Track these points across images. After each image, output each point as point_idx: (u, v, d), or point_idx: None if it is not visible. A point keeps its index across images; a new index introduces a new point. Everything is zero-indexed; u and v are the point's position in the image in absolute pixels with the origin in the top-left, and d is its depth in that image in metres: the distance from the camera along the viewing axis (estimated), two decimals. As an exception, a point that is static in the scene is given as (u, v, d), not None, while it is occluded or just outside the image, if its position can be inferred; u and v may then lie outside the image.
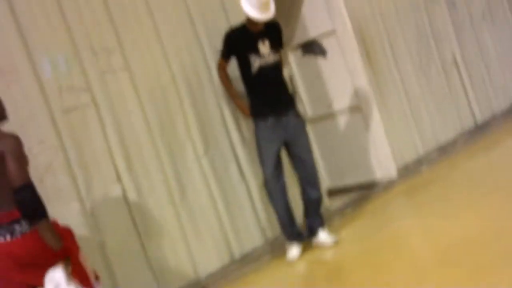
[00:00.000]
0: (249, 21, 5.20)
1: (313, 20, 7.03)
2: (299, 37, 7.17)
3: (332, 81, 7.04)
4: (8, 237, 3.31)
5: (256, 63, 5.22)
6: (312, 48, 7.13)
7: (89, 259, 3.78)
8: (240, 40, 5.26)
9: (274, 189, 5.27)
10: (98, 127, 4.78)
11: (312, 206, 5.41)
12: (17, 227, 3.32)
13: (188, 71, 5.42)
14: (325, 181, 6.93)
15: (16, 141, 3.37)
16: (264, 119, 5.23)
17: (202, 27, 5.56)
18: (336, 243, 5.31)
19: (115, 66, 4.96)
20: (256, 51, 5.21)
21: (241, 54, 5.25)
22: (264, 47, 5.24)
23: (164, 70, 5.27)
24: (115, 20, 5.05)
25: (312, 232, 5.41)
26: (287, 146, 5.33)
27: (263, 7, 5.06)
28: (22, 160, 3.37)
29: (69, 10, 4.82)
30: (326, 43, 7.00)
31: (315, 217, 5.40)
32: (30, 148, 4.42)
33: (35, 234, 3.33)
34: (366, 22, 7.06)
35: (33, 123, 4.51)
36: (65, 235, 3.55)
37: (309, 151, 5.39)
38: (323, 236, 5.36)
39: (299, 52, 7.23)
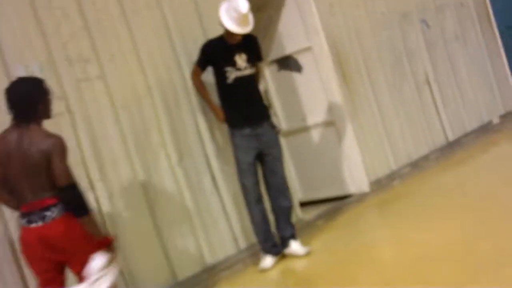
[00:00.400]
0: (227, 33, 5.26)
1: (289, 37, 7.13)
2: (275, 53, 7.27)
3: (306, 96, 7.14)
4: (40, 223, 3.64)
5: (232, 75, 5.28)
6: (288, 63, 7.23)
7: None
8: (217, 52, 5.32)
9: (253, 199, 5.31)
10: (72, 135, 4.78)
11: (283, 214, 5.44)
12: (47, 213, 3.64)
13: (163, 81, 5.47)
14: (298, 194, 6.98)
15: (62, 142, 3.67)
16: (240, 129, 5.29)
17: (178, 38, 5.62)
18: (308, 253, 5.35)
19: (90, 74, 5.00)
20: (233, 63, 5.28)
21: (218, 65, 5.31)
22: (241, 59, 5.30)
23: (140, 80, 5.31)
24: (92, 30, 5.10)
25: (283, 242, 5.44)
26: (260, 156, 5.38)
27: (242, 20, 5.13)
28: (66, 160, 3.67)
29: (45, 19, 4.86)
30: (302, 59, 7.10)
31: (286, 226, 5.42)
32: None
33: (64, 220, 3.65)
34: (341, 39, 7.19)
35: (6, 130, 4.52)
36: None
37: (281, 162, 5.45)
38: (294, 246, 5.40)
39: (275, 67, 7.33)
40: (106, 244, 3.74)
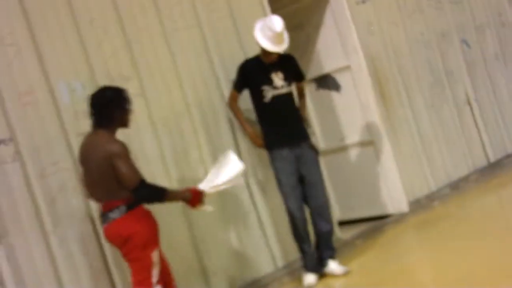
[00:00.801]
0: (263, 52, 5.28)
1: (328, 55, 7.14)
2: (314, 71, 7.26)
3: (345, 115, 7.11)
4: (105, 224, 4.00)
5: (269, 93, 5.28)
6: (326, 82, 7.22)
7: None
8: (254, 72, 5.33)
9: (299, 219, 5.27)
10: (111, 152, 4.84)
11: (323, 238, 5.41)
12: (110, 215, 3.95)
13: (202, 99, 5.51)
14: (336, 213, 6.94)
15: (122, 146, 3.92)
16: (279, 149, 5.27)
17: (217, 56, 5.67)
18: (346, 273, 5.30)
19: (131, 92, 5.01)
20: (270, 82, 5.28)
21: (255, 85, 5.32)
22: (278, 78, 5.31)
23: (178, 97, 5.36)
24: (133, 49, 5.17)
25: (321, 262, 5.39)
26: (301, 179, 5.34)
27: (277, 39, 5.15)
28: (131, 160, 3.93)
29: (88, 37, 4.95)
30: (340, 78, 7.09)
31: (326, 249, 5.39)
32: (44, 168, 4.53)
33: (121, 221, 3.92)
34: (380, 58, 7.17)
35: (48, 145, 4.60)
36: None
37: (321, 183, 5.41)
38: (333, 265, 5.36)
39: (313, 86, 7.32)
40: (196, 198, 4.16)
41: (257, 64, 5.35)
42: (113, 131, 4.02)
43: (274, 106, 5.30)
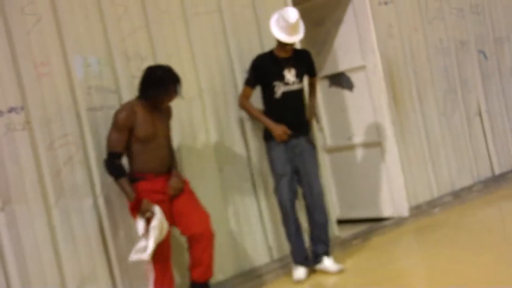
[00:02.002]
0: (278, 46, 5.29)
1: (344, 53, 7.14)
2: (329, 68, 7.28)
3: (355, 115, 7.12)
4: None
5: (280, 89, 5.29)
6: (340, 80, 7.23)
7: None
8: (267, 66, 5.32)
9: (289, 210, 5.31)
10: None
11: (318, 230, 5.42)
12: None
13: (215, 85, 5.54)
14: (337, 211, 6.98)
15: (117, 115, 4.46)
16: (278, 142, 5.29)
17: (235, 45, 5.68)
18: (341, 271, 5.34)
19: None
20: (281, 78, 5.29)
21: (266, 80, 5.32)
22: (290, 74, 5.32)
23: (192, 81, 5.38)
24: (151, 29, 5.20)
25: (317, 258, 5.44)
26: (296, 171, 5.37)
27: (292, 29, 5.14)
28: (115, 131, 4.42)
29: (108, 14, 4.97)
30: (355, 77, 7.09)
31: (321, 242, 5.41)
32: (53, 140, 4.58)
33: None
34: (396, 62, 7.17)
35: (58, 118, 4.64)
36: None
37: (316, 176, 5.42)
38: (327, 262, 5.39)
39: (326, 83, 7.34)
40: (135, 208, 4.38)
41: (270, 59, 5.35)
42: (145, 104, 4.51)
43: (283, 102, 5.31)
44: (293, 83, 5.32)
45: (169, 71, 4.55)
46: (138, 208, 4.38)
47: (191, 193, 4.76)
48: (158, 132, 4.58)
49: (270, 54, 5.37)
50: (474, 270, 4.73)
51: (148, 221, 4.35)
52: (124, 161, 4.58)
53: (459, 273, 4.73)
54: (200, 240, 4.61)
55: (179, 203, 4.64)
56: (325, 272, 5.39)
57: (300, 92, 5.41)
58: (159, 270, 4.47)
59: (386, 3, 7.16)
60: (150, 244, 4.30)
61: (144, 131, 4.49)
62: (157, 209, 4.37)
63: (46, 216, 4.50)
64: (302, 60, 5.45)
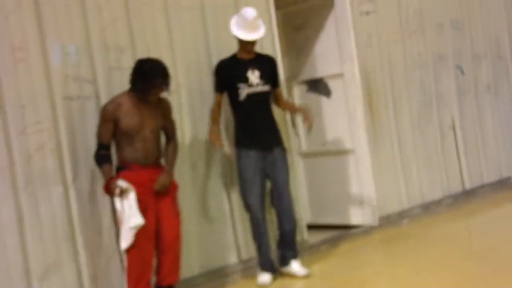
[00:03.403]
0: (240, 48, 5.27)
1: (323, 60, 7.17)
2: (307, 74, 7.31)
3: (330, 122, 7.16)
4: None
5: (244, 91, 5.23)
6: (317, 86, 7.26)
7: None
8: (230, 69, 5.27)
9: (259, 220, 5.28)
10: (95, 119, 4.84)
11: (287, 238, 5.41)
12: None
13: (192, 81, 5.53)
14: (307, 216, 6.99)
15: (104, 108, 4.59)
16: (248, 149, 5.23)
17: (214, 42, 5.68)
18: (307, 275, 5.34)
19: (123, 64, 5.05)
20: (245, 79, 5.23)
21: (230, 83, 5.26)
22: (254, 76, 5.25)
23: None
24: (132, 21, 5.17)
25: (284, 261, 5.43)
26: (267, 178, 5.33)
27: (251, 27, 5.14)
28: (101, 123, 4.56)
29: (89, 3, 4.94)
30: (332, 84, 7.13)
31: (289, 247, 5.41)
32: (26, 126, 4.54)
33: None
34: (374, 71, 7.22)
35: (33, 104, 4.60)
36: None
37: (288, 185, 5.38)
38: (295, 266, 5.39)
39: (304, 87, 7.36)
40: (106, 188, 4.48)
41: (232, 62, 5.30)
42: (134, 97, 4.59)
43: (248, 104, 5.25)
44: (257, 84, 5.25)
45: (158, 65, 4.59)
46: (108, 188, 4.46)
47: (174, 198, 4.79)
48: (144, 125, 4.59)
49: (233, 57, 5.33)
50: (435, 282, 4.77)
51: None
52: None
53: (420, 284, 4.78)
54: (168, 251, 4.65)
55: (161, 205, 4.65)
56: (291, 276, 5.40)
57: (265, 95, 5.33)
58: (135, 259, 4.46)
59: (367, 13, 7.21)
60: (122, 229, 4.40)
61: (128, 123, 4.52)
62: (131, 194, 4.41)
63: (14, 201, 4.46)
64: (266, 64, 5.39)
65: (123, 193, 4.40)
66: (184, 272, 5.20)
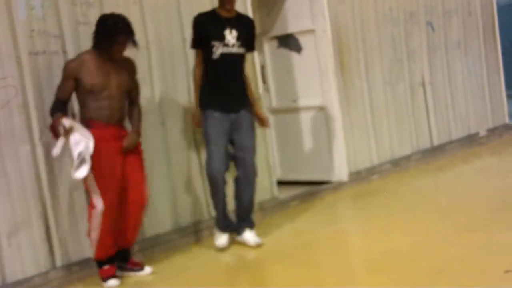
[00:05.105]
0: (220, 5, 5.07)
1: (294, 16, 7.13)
2: (278, 29, 7.26)
3: (301, 78, 7.15)
4: None
5: (218, 50, 5.02)
6: (288, 42, 7.23)
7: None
8: (208, 24, 5.06)
9: (219, 182, 5.05)
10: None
11: (245, 203, 5.24)
12: None
13: (162, 39, 5.46)
14: (278, 172, 7.03)
15: (66, 65, 4.49)
16: (213, 111, 5.03)
17: (187, 7, 5.58)
18: (259, 246, 5.14)
19: (91, 19, 4.93)
20: (221, 38, 5.02)
21: (206, 39, 5.04)
22: (231, 36, 5.04)
23: (140, 34, 5.17)
24: (101, -26, 5.07)
25: (239, 229, 5.28)
26: (232, 143, 5.15)
27: None
28: (62, 79, 4.45)
29: (55, -47, 4.82)
30: (303, 41, 7.10)
31: (245, 215, 5.26)
32: (-9, 82, 4.45)
33: None
34: (346, 28, 7.19)
35: (-2, 59, 4.51)
36: None
37: (253, 150, 5.19)
38: (248, 235, 5.22)
39: (275, 43, 7.32)
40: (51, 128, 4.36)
41: (212, 17, 5.09)
42: (98, 54, 4.46)
43: (221, 64, 5.04)
44: (233, 45, 5.05)
45: (120, 20, 4.45)
46: (53, 128, 4.33)
47: (141, 156, 4.74)
48: (109, 82, 4.49)
49: (212, 12, 5.15)
50: (404, 236, 4.85)
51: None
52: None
53: (390, 238, 4.85)
54: (132, 210, 4.61)
55: (127, 163, 4.59)
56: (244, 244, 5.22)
57: (239, 57, 5.14)
58: (103, 218, 4.44)
59: (339, -31, 7.16)
60: (75, 160, 4.31)
61: (90, 80, 4.42)
62: (75, 131, 4.33)
63: (-21, 158, 4.40)
64: (244, 26, 5.18)
65: (67, 132, 4.26)
66: (156, 228, 5.24)
